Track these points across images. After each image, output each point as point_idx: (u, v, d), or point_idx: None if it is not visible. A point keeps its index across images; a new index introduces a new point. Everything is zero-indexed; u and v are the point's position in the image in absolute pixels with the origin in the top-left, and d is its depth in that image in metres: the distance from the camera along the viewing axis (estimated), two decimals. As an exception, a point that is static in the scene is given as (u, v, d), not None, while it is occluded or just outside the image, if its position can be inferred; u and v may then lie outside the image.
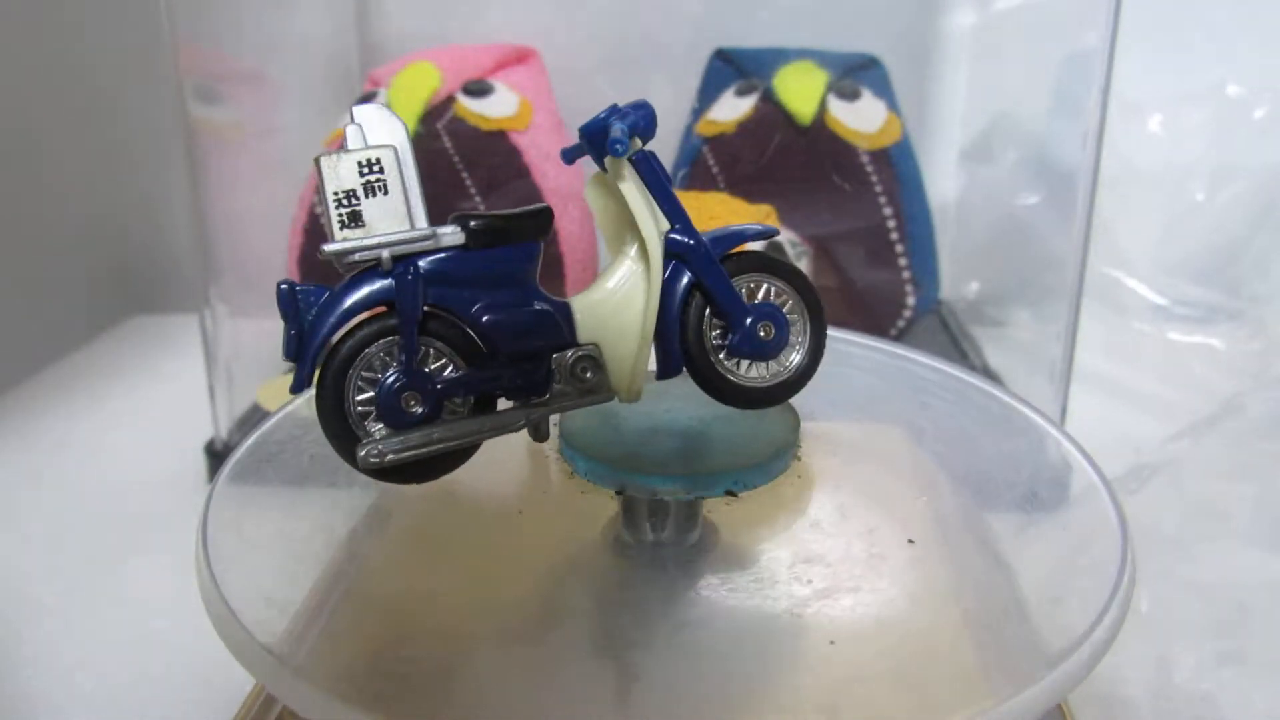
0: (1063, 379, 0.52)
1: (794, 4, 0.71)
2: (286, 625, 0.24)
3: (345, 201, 0.24)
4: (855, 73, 0.62)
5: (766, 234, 0.28)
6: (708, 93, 0.64)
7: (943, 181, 0.73)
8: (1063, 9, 0.58)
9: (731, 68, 0.63)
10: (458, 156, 0.56)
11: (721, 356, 0.27)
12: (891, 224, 0.59)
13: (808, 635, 0.24)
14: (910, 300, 0.60)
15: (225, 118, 0.57)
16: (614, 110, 0.26)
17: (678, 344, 0.27)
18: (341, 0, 0.73)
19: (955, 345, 0.63)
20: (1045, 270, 0.59)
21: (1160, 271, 0.69)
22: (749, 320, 0.27)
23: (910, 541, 0.27)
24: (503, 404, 0.26)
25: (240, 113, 0.60)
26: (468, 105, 0.57)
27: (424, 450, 0.25)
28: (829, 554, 0.26)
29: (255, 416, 0.55)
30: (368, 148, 0.24)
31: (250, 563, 0.26)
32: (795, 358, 0.28)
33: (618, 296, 0.26)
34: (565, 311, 0.26)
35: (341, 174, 0.24)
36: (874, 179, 0.58)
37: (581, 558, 0.27)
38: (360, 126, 0.25)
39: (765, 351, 0.27)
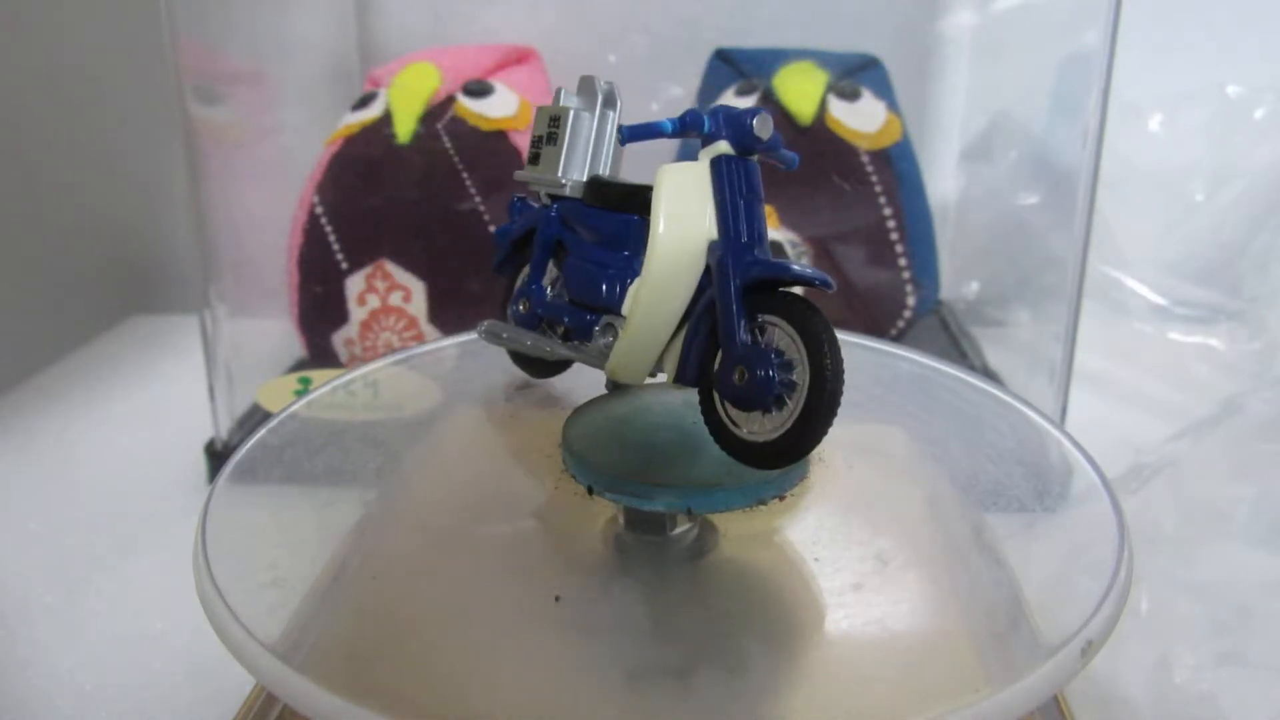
0: (1063, 379, 0.52)
1: (794, 4, 0.71)
2: (286, 624, 0.24)
3: (535, 144, 0.30)
4: (855, 73, 0.62)
5: (815, 280, 0.24)
6: (708, 93, 0.64)
7: (943, 181, 0.73)
8: (1063, 9, 0.58)
9: (731, 68, 0.63)
10: (458, 157, 0.56)
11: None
12: (891, 224, 0.59)
13: (807, 631, 0.24)
14: (910, 300, 0.60)
15: (225, 118, 0.57)
16: (716, 110, 0.26)
17: (694, 354, 0.26)
18: (341, 0, 0.73)
19: (955, 345, 0.63)
20: (1045, 270, 0.59)
21: (1160, 271, 0.69)
22: (729, 357, 0.24)
23: (907, 541, 0.27)
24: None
25: (240, 113, 0.60)
26: (468, 105, 0.57)
27: (499, 340, 0.32)
28: (828, 552, 0.26)
29: (255, 416, 0.55)
30: (557, 105, 0.30)
31: (250, 563, 0.26)
32: (772, 426, 0.24)
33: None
34: (625, 282, 0.27)
35: (539, 122, 0.30)
36: (874, 179, 0.58)
37: (581, 556, 0.27)
38: (564, 90, 0.30)
39: (738, 399, 0.24)
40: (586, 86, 0.30)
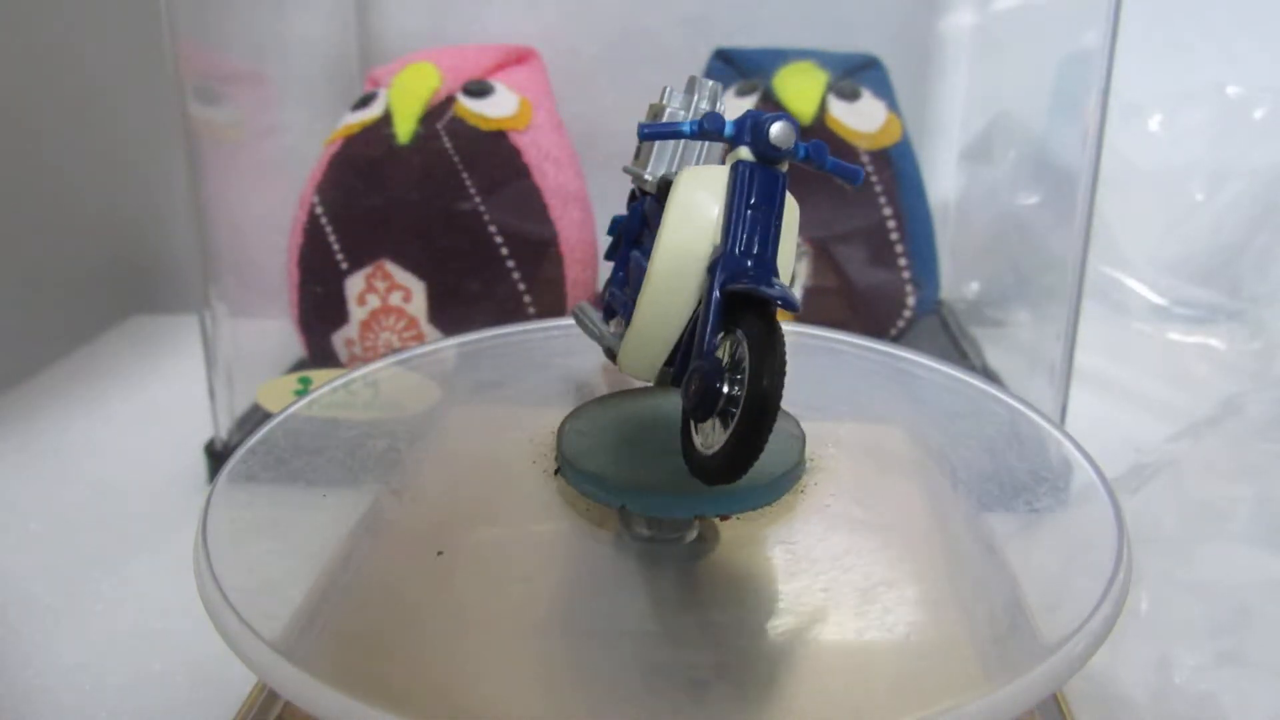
0: (1063, 379, 0.52)
1: (794, 4, 0.71)
2: (287, 622, 0.24)
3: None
4: (855, 73, 0.62)
5: (778, 299, 0.23)
6: (708, 93, 0.64)
7: (943, 181, 0.73)
8: (1063, 9, 0.58)
9: (731, 68, 0.63)
10: (458, 157, 0.56)
11: None
12: (891, 224, 0.59)
13: (806, 630, 0.24)
14: (910, 300, 0.60)
15: (225, 118, 0.57)
16: (744, 116, 0.25)
17: (688, 357, 0.26)
18: (341, 0, 0.73)
19: (955, 345, 0.63)
20: (1045, 270, 0.59)
21: (1160, 271, 0.69)
22: (692, 365, 0.24)
23: (907, 541, 0.27)
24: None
25: (240, 113, 0.60)
26: (468, 105, 0.57)
27: (578, 322, 0.32)
28: (827, 552, 0.26)
29: (255, 416, 0.55)
30: (659, 104, 0.30)
31: (250, 562, 0.26)
32: (714, 442, 0.23)
33: None
34: None
35: (646, 119, 0.30)
36: (874, 179, 0.58)
37: (581, 554, 0.27)
38: (669, 88, 0.30)
39: (688, 406, 0.24)
40: (690, 86, 0.30)
